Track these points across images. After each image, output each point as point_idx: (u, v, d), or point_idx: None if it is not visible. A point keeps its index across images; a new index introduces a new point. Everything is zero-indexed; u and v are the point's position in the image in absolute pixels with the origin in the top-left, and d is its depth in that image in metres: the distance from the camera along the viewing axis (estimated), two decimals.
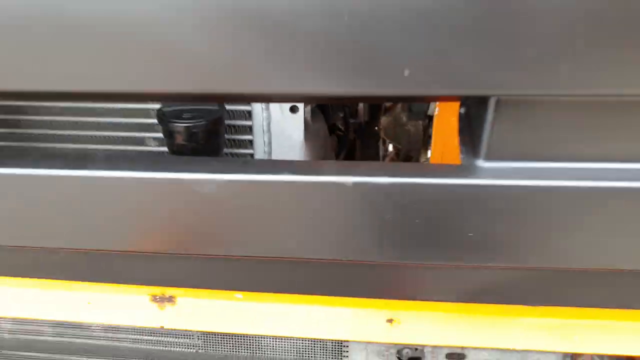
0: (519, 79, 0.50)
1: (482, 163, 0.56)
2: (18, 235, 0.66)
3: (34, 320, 0.92)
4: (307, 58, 0.51)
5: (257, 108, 1.01)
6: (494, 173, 0.56)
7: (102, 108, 1.01)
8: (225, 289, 0.83)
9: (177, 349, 0.94)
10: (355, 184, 0.56)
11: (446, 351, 0.91)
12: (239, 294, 0.84)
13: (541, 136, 0.54)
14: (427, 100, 0.98)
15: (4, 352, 0.99)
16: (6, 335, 0.95)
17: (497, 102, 0.52)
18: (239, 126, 1.03)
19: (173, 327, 0.89)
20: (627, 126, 0.52)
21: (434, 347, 0.91)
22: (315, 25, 0.49)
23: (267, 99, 0.89)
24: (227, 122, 1.01)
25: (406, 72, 0.47)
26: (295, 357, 0.92)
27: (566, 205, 0.55)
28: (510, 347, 0.88)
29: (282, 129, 1.03)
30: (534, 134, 0.54)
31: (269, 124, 1.02)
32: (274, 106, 1.00)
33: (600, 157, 0.54)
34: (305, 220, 0.60)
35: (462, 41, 0.49)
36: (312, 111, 1.14)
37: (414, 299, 0.81)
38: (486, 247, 0.58)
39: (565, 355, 0.90)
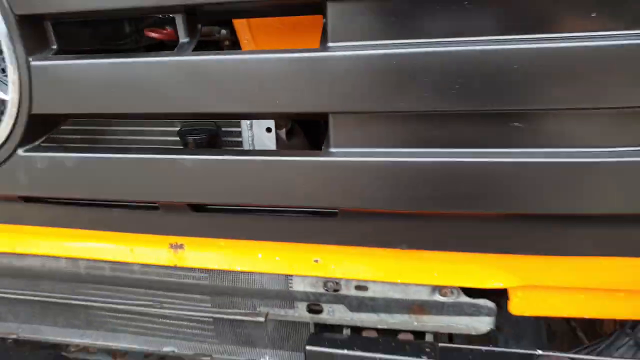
0: (339, 104, 0.98)
1: (332, 149, 1.03)
2: (95, 193, 1.19)
3: (99, 259, 1.44)
4: (235, 97, 1.01)
5: (245, 129, 1.52)
6: (338, 155, 1.02)
7: (149, 131, 1.56)
8: (215, 238, 1.31)
9: (187, 281, 1.42)
10: (266, 162, 1.05)
11: (355, 283, 1.30)
12: (222, 242, 1.32)
13: (359, 132, 1.00)
14: (299, 116, 1.43)
15: (83, 285, 1.50)
16: (82, 271, 1.47)
17: (333, 115, 1.00)
18: (232, 141, 1.54)
19: (183, 265, 1.37)
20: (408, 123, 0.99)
21: (347, 280, 1.31)
22: (242, 83, 1.00)
23: (225, 116, 1.39)
24: (223, 138, 1.52)
25: (277, 101, 0.96)
26: (260, 287, 1.37)
27: (381, 172, 1.01)
28: (396, 281, 1.27)
29: (261, 143, 1.53)
30: (356, 131, 1.01)
31: (252, 140, 1.52)
32: (255, 127, 1.50)
33: (397, 144, 0.99)
34: (245, 182, 1.09)
35: (312, 89, 0.98)
36: (291, 131, 1.64)
37: (333, 244, 1.24)
38: (336, 198, 1.05)
39: (434, 287, 1.30)
